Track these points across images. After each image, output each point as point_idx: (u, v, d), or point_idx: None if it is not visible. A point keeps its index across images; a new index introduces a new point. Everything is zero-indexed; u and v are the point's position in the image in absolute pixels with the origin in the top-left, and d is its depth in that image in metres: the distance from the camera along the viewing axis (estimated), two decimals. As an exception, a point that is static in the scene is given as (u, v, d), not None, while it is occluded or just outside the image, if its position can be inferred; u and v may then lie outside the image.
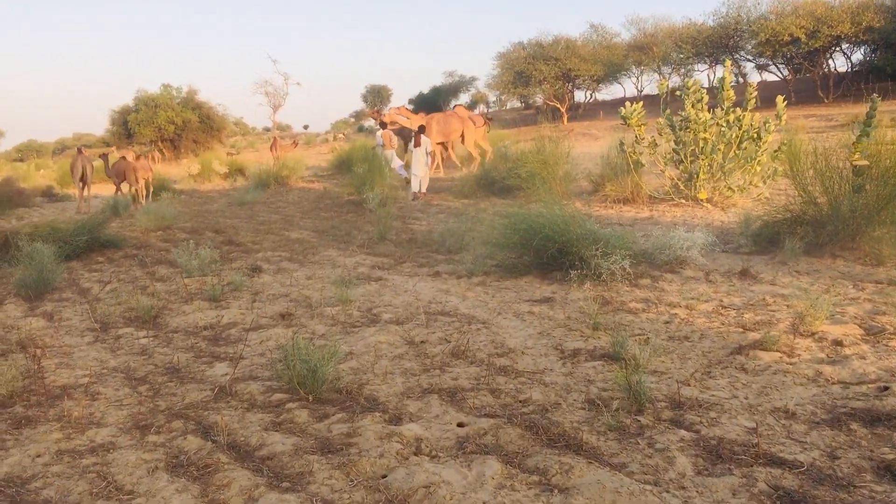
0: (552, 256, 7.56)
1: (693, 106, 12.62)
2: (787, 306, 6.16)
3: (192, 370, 5.21)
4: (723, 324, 5.72)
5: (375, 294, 7.41)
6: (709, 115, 12.53)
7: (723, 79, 12.66)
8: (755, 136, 12.45)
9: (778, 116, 12.61)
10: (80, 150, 24.86)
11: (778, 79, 46.29)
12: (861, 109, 31.63)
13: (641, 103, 13.20)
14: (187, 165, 35.60)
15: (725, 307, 6.24)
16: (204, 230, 13.15)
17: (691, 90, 12.66)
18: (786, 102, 12.73)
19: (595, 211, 12.65)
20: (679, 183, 13.17)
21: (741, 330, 5.50)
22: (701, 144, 12.53)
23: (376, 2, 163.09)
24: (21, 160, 65.19)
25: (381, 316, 6.49)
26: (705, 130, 12.50)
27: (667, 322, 5.84)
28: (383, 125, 21.47)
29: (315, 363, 4.47)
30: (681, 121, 12.75)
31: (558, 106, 48.15)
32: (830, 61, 41.97)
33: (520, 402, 4.26)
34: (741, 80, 45.00)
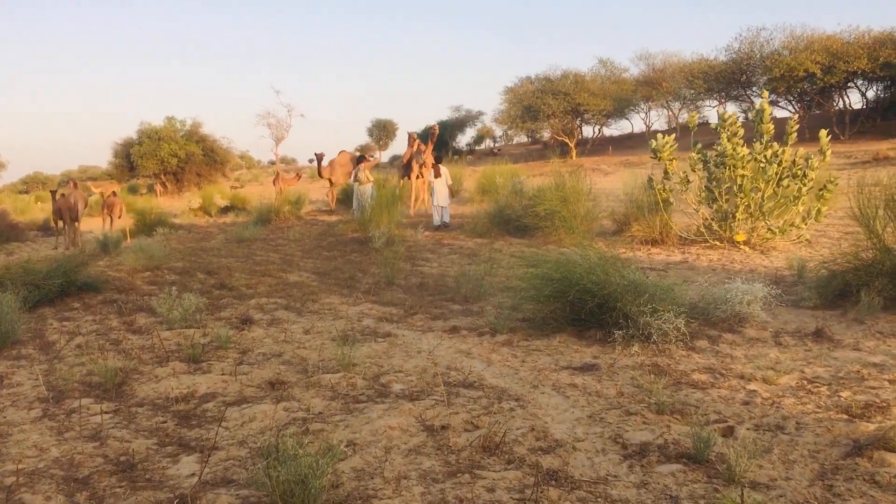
0: (590, 312, 6.45)
1: (729, 140, 11.57)
2: (889, 382, 5.02)
3: (150, 466, 4.08)
4: (818, 406, 4.58)
5: (383, 355, 6.29)
6: (746, 150, 11.48)
7: (761, 111, 11.64)
8: (798, 173, 11.38)
9: (822, 152, 11.58)
10: (75, 185, 24.18)
11: (789, 114, 45.42)
12: (880, 147, 30.71)
13: (674, 136, 12.17)
14: (189, 199, 34.77)
15: (812, 381, 5.11)
16: (195, 271, 12.06)
17: (728, 122, 11.63)
18: (829, 137, 11.70)
19: (622, 254, 11.54)
20: (713, 223, 12.09)
21: (845, 417, 4.36)
22: (739, 181, 11.45)
23: (383, 35, 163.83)
24: (27, 192, 64.60)
25: (390, 387, 5.36)
26: (743, 167, 11.43)
27: (746, 402, 4.70)
28: (360, 159, 20.78)
29: (305, 471, 3.35)
30: (716, 156, 11.69)
31: (567, 141, 47.26)
32: (844, 97, 41.11)
33: (584, 533, 3.12)
34: (749, 115, 44.10)
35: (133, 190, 47.28)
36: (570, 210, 13.08)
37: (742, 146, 11.57)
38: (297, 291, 9.79)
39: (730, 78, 43.56)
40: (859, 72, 36.64)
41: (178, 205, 35.18)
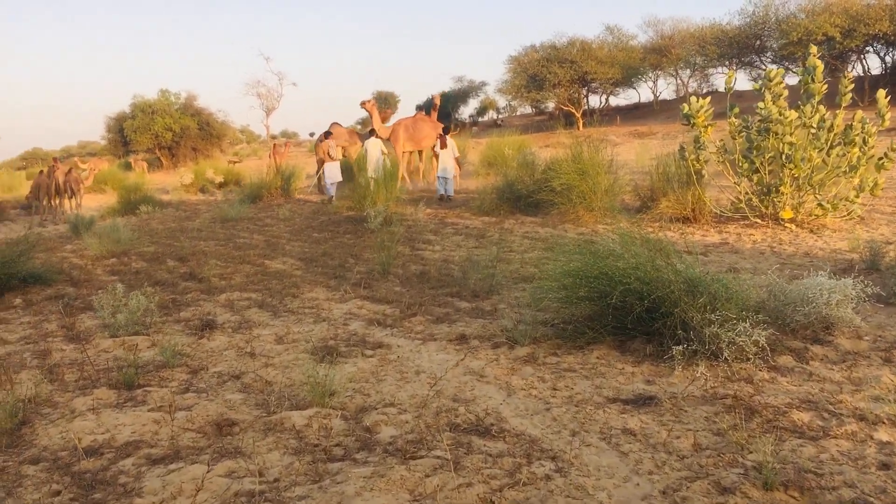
0: (637, 318, 5.01)
1: (774, 101, 10.06)
2: None
3: (4, 589, 2.69)
4: None
5: (371, 378, 4.87)
6: (795, 114, 9.97)
7: (812, 68, 10.10)
8: (856, 139, 9.87)
9: (880, 116, 10.09)
10: (55, 161, 22.96)
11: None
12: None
13: (709, 98, 10.64)
14: (180, 174, 33.39)
15: (962, 425, 3.68)
16: (166, 257, 10.64)
17: (773, 81, 10.09)
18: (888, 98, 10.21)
19: (650, 233, 10.07)
20: (753, 198, 10.61)
21: None
22: (786, 150, 9.95)
23: (382, 4, 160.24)
24: (25, 168, 63.19)
25: (377, 432, 3.94)
26: (791, 133, 9.92)
27: (884, 466, 3.27)
28: (327, 135, 19.53)
29: None
30: (759, 121, 10.17)
31: (573, 111, 45.53)
32: (863, 62, 39.32)
33: None
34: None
35: (128, 166, 45.65)
36: (590, 185, 11.59)
37: (789, 110, 10.07)
38: (277, 283, 8.37)
39: (743, 43, 41.75)
40: (880, 34, 34.91)
41: (172, 180, 33.74)
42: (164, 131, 45.41)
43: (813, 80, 10.05)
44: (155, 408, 4.43)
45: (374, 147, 17.70)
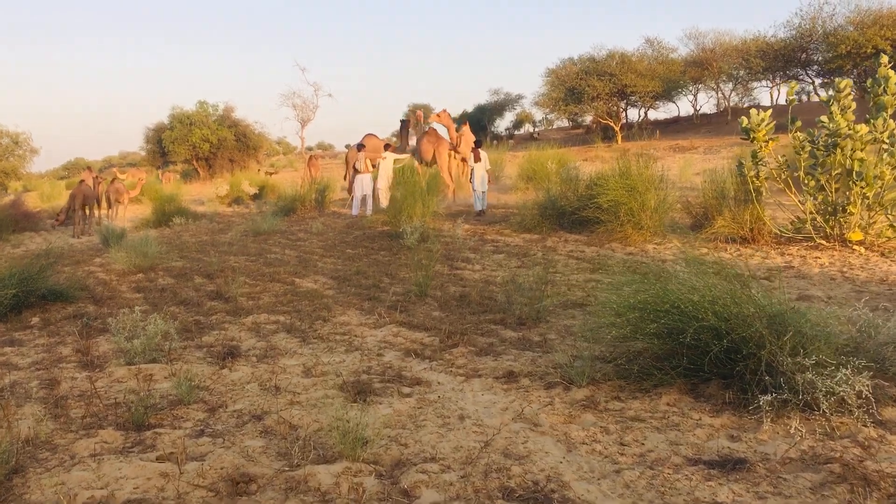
0: (715, 359, 4.35)
1: (843, 114, 9.33)
2: None
3: None
4: None
5: (409, 423, 4.28)
6: (866, 129, 9.23)
7: (884, 78, 9.35)
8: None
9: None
10: (88, 170, 22.83)
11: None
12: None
13: (770, 111, 9.91)
14: (216, 185, 33.33)
15: None
16: (194, 273, 10.18)
17: (843, 93, 9.36)
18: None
19: (706, 254, 9.36)
20: (818, 218, 9.86)
21: None
22: (856, 167, 9.20)
23: (417, 17, 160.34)
24: (66, 177, 64.03)
25: (416, 496, 3.34)
26: (862, 148, 9.18)
27: None
28: (360, 147, 18.99)
29: None
30: (826, 135, 9.44)
31: (612, 124, 44.70)
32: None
33: None
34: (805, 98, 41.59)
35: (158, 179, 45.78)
36: (638, 201, 10.92)
37: (858, 123, 9.34)
38: (308, 304, 7.83)
39: (788, 57, 40.65)
40: (934, 48, 33.74)
41: (209, 191, 33.69)
42: (201, 142, 45.48)
43: (885, 91, 9.30)
44: (164, 456, 3.89)
45: (387, 161, 17.63)
